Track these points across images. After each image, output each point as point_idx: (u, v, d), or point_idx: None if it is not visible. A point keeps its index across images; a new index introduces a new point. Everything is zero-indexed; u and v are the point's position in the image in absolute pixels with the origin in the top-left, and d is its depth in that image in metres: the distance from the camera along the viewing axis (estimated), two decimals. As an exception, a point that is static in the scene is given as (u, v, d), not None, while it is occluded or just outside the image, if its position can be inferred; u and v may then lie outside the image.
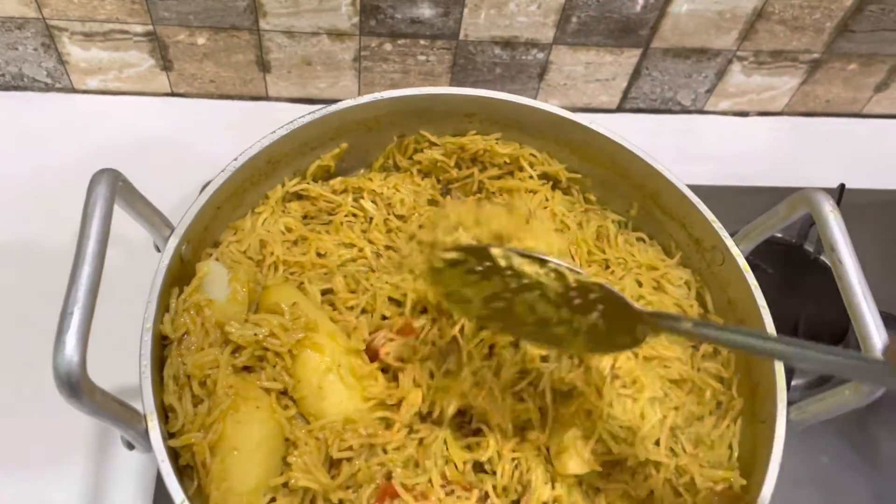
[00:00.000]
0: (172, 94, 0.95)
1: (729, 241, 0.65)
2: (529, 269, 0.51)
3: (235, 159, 0.64)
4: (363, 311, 0.64)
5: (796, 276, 0.83)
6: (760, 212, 0.66)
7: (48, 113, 0.91)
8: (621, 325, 0.50)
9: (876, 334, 0.52)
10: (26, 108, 0.91)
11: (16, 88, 0.92)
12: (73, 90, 0.93)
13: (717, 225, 0.65)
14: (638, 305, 0.50)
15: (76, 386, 0.45)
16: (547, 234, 0.60)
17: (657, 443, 0.59)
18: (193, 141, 0.89)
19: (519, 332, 0.56)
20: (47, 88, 0.93)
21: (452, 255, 0.52)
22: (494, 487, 0.58)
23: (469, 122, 0.74)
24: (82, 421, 0.65)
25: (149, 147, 0.89)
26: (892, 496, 0.76)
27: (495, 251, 0.51)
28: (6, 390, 0.71)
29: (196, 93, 0.95)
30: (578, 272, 0.50)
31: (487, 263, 0.51)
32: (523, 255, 0.51)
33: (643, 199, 0.73)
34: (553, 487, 0.59)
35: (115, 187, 0.52)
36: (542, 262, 0.50)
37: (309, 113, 0.67)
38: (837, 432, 0.79)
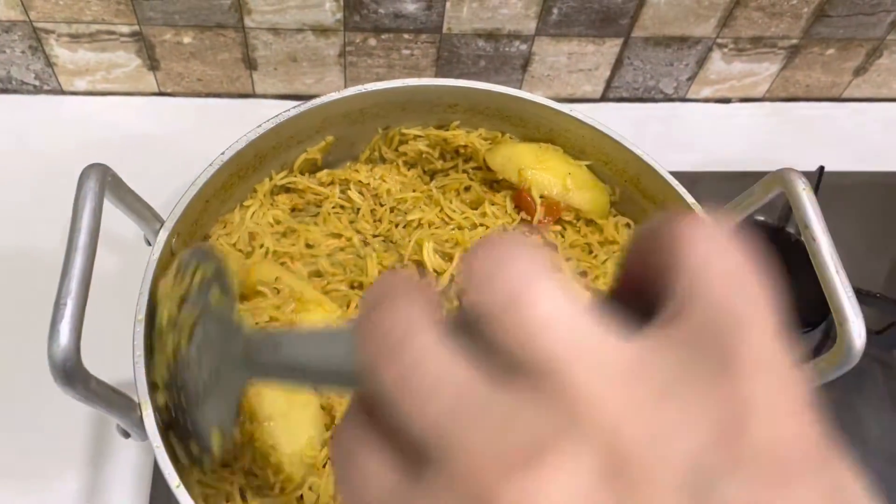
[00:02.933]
0: (160, 94, 0.95)
1: (707, 222, 0.66)
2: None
3: (223, 153, 0.65)
4: (352, 287, 0.65)
5: (778, 257, 0.85)
6: (742, 197, 0.66)
7: (37, 115, 0.92)
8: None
9: (849, 307, 0.53)
10: (15, 111, 0.92)
11: (4, 91, 0.93)
12: (62, 92, 0.94)
13: (696, 206, 0.67)
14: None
15: (71, 374, 0.46)
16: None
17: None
18: (182, 139, 0.90)
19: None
20: (36, 91, 0.94)
21: None
22: None
23: (453, 113, 0.76)
24: (81, 413, 0.67)
25: (138, 147, 0.89)
26: (877, 470, 0.77)
27: None
28: (1, 388, 0.72)
29: (183, 91, 0.95)
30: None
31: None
32: None
33: (624, 184, 0.74)
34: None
35: (104, 181, 0.53)
36: None
37: (294, 107, 0.69)
38: (824, 412, 0.80)
